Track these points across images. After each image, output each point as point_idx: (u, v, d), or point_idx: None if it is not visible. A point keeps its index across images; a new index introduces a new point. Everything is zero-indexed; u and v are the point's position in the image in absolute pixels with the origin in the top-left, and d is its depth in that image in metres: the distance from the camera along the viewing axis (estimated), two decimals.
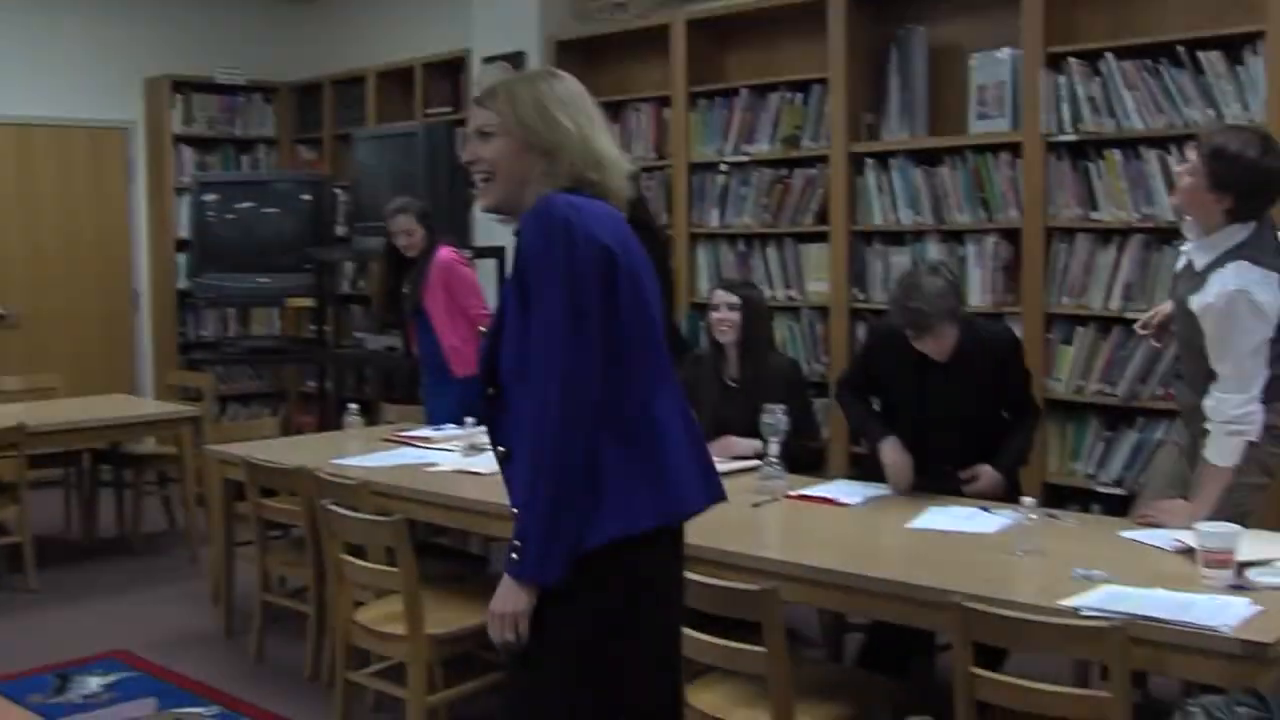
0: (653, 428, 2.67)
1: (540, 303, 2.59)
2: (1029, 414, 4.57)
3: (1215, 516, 3.55)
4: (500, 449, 2.76)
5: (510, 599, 2.61)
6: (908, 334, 4.26)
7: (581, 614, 2.63)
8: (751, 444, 4.71)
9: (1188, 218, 3.97)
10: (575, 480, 2.56)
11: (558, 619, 2.62)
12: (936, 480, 4.37)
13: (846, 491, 4.36)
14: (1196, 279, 3.81)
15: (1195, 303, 3.78)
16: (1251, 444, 3.77)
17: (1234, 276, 3.68)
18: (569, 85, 2.80)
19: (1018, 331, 5.12)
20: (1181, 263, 4.02)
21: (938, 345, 4.27)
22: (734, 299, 5.00)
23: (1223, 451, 3.76)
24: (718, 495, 2.83)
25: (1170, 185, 5.00)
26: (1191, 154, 3.81)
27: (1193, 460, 3.98)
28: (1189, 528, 3.48)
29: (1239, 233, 3.76)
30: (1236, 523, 3.48)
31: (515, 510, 2.66)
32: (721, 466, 4.61)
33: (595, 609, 2.64)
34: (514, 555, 2.59)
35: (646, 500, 2.66)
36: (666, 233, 5.93)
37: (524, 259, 2.64)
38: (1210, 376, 3.81)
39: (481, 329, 5.78)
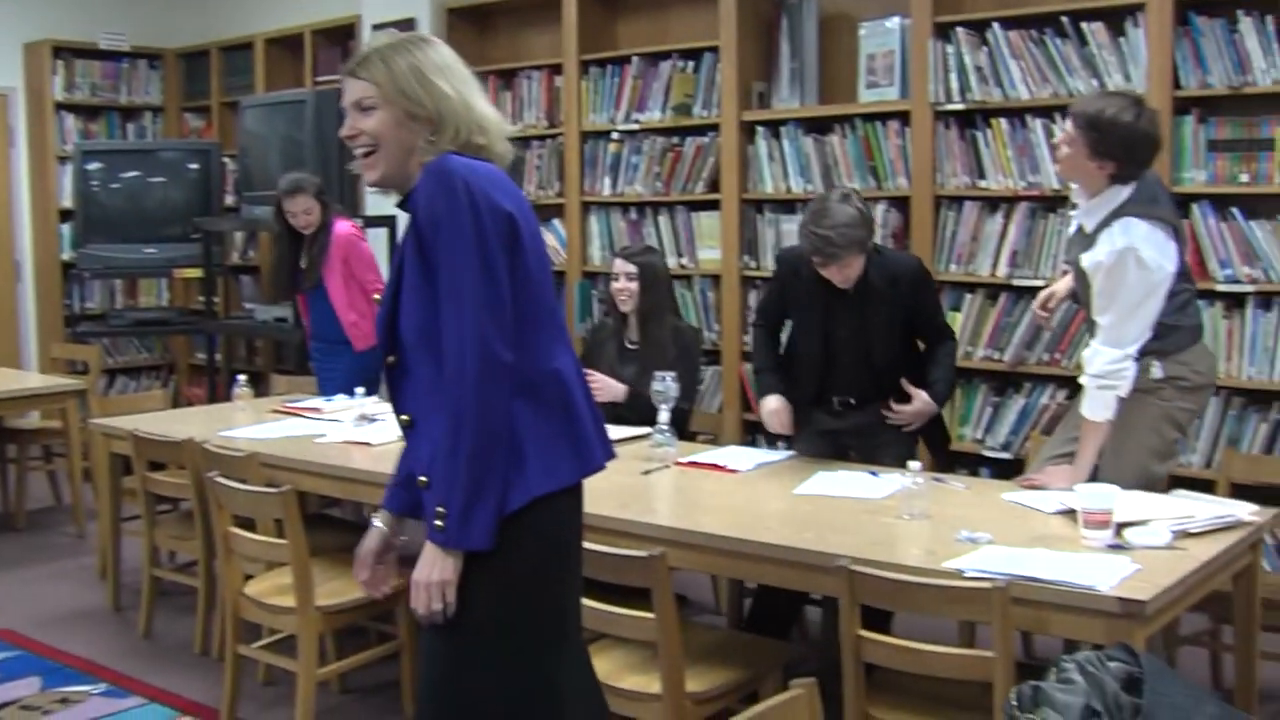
0: (561, 386, 2.68)
1: (449, 268, 2.56)
2: (947, 340, 4.54)
3: (1129, 484, 3.64)
4: (403, 416, 2.74)
5: (437, 567, 2.61)
6: (814, 261, 4.25)
7: (501, 575, 2.62)
8: (619, 386, 4.89)
9: (1074, 185, 4.04)
10: (497, 444, 2.54)
11: (479, 582, 2.61)
12: (840, 415, 4.44)
13: (736, 458, 4.39)
14: (1087, 241, 3.88)
15: (1086, 261, 3.85)
16: (1161, 401, 3.87)
17: (1121, 234, 3.75)
18: (442, 51, 2.75)
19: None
20: (1073, 228, 4.09)
21: (843, 274, 4.26)
22: (631, 268, 5.02)
23: (1094, 406, 3.84)
24: (611, 452, 2.84)
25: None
26: (1068, 124, 3.87)
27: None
28: (1071, 489, 3.57)
29: (1124, 191, 3.82)
30: (1154, 487, 3.58)
31: (423, 479, 2.64)
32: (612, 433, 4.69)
33: (517, 568, 2.63)
34: (438, 523, 2.57)
35: (565, 456, 2.68)
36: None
37: (427, 223, 2.60)
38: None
39: (376, 298, 5.73)
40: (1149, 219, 3.76)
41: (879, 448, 4.45)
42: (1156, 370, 3.89)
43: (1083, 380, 3.88)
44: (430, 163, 2.64)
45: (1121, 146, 3.76)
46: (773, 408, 4.48)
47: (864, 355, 4.42)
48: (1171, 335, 3.88)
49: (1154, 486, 3.81)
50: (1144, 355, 3.84)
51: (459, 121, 2.67)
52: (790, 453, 4.48)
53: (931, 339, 4.53)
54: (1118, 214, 3.78)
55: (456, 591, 2.62)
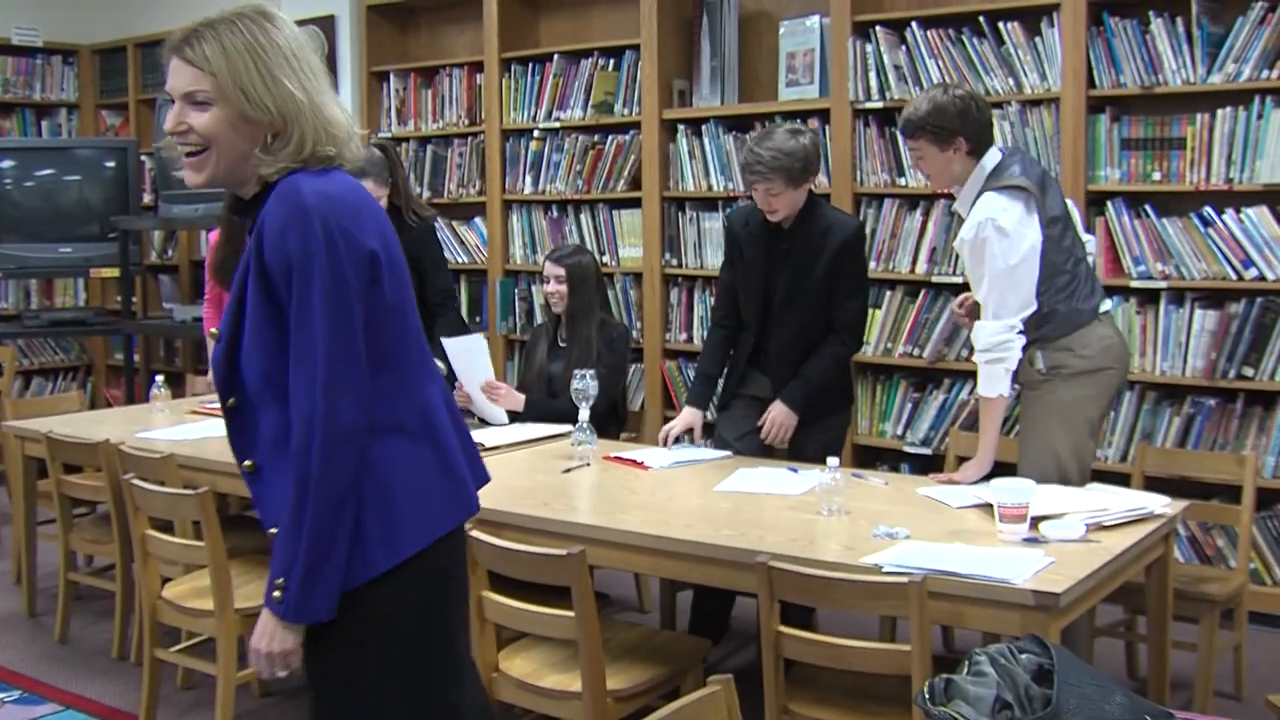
0: (428, 419, 2.45)
1: (300, 321, 2.28)
2: (844, 336, 4.48)
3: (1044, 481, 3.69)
4: (247, 463, 2.48)
5: (277, 638, 2.36)
6: (745, 180, 4.31)
7: (389, 621, 2.42)
8: (518, 396, 5.03)
9: (954, 190, 4.12)
10: (342, 513, 2.30)
11: (365, 630, 2.40)
12: (777, 381, 4.47)
13: (656, 456, 4.39)
14: (961, 224, 3.98)
15: (955, 242, 3.96)
16: (1050, 394, 3.92)
17: (980, 209, 3.85)
18: (286, 32, 2.38)
19: None
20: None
21: (769, 203, 4.29)
22: (560, 271, 5.04)
23: (986, 382, 3.90)
24: (484, 477, 2.64)
25: None
26: (908, 147, 4.03)
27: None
28: (981, 477, 3.71)
29: (989, 163, 3.94)
30: (1072, 482, 3.68)
31: (271, 531, 2.39)
32: (529, 433, 4.69)
33: (403, 615, 2.43)
34: (276, 594, 2.32)
35: (440, 497, 2.46)
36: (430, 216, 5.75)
37: (276, 263, 2.30)
38: None
39: (213, 332, 5.63)
40: (1002, 190, 3.86)
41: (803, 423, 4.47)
42: (1039, 362, 3.96)
43: (975, 358, 3.94)
44: (282, 187, 2.35)
45: (956, 119, 3.88)
46: (675, 421, 4.63)
47: (795, 306, 4.44)
48: (1050, 321, 3.92)
49: (1072, 481, 3.86)
50: (1029, 346, 3.90)
51: (305, 129, 2.35)
52: (717, 453, 4.47)
53: (837, 322, 4.47)
54: (981, 190, 3.91)
55: (346, 634, 2.39)
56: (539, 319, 6.41)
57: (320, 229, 2.27)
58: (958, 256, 5.36)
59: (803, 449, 4.41)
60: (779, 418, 4.40)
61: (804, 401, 4.41)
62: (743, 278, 4.54)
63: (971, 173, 3.97)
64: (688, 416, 4.60)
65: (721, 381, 4.71)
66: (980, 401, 3.98)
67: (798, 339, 4.46)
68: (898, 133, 4.09)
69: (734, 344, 4.67)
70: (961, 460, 4.19)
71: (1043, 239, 3.84)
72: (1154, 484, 4.22)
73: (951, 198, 5.37)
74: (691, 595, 4.56)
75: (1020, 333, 3.84)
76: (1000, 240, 3.79)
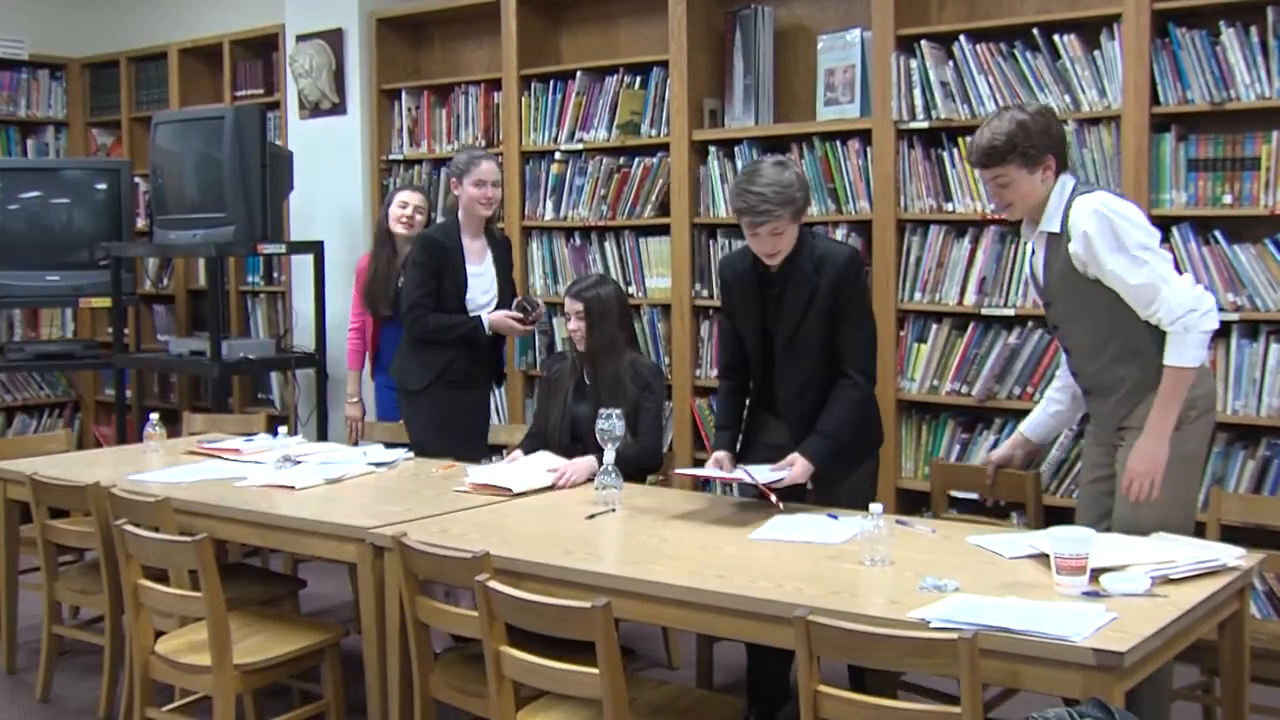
0: None
1: None
2: (855, 378, 4.43)
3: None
4: None
5: None
6: (744, 224, 4.29)
7: None
8: (585, 464, 4.81)
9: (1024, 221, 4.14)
10: None
11: None
12: (794, 428, 4.46)
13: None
14: (1061, 240, 3.94)
15: (1073, 248, 3.89)
16: (1173, 446, 3.88)
17: (1084, 205, 3.87)
18: None
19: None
20: (1032, 257, 4.17)
21: (774, 243, 4.29)
22: (579, 306, 5.04)
23: (1185, 350, 3.80)
24: None
25: None
26: (990, 174, 4.01)
27: (1106, 445, 4.13)
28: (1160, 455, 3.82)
29: (1067, 181, 3.99)
30: None
31: None
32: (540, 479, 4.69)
33: None
34: None
35: None
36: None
37: None
38: (1115, 326, 3.93)
39: None
40: (1093, 190, 3.95)
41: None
42: None
43: (1168, 333, 3.82)
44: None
45: (1043, 136, 3.93)
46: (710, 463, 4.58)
47: (799, 349, 4.44)
48: None
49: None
50: (1152, 388, 3.88)
51: None
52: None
53: (842, 361, 4.43)
54: (1072, 199, 3.93)
55: None
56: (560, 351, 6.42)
57: None
58: (1009, 287, 5.40)
59: (831, 500, 4.40)
60: (799, 474, 4.33)
61: (826, 459, 4.37)
62: (743, 325, 4.57)
63: (1054, 190, 3.99)
64: (721, 458, 4.56)
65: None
66: (1167, 372, 3.85)
67: (809, 382, 4.46)
68: (970, 163, 4.11)
69: (745, 392, 4.68)
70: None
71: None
72: (1227, 533, 4.19)
73: (1003, 223, 5.39)
74: (745, 656, 4.56)
75: (1116, 360, 3.88)
76: (1125, 220, 3.82)
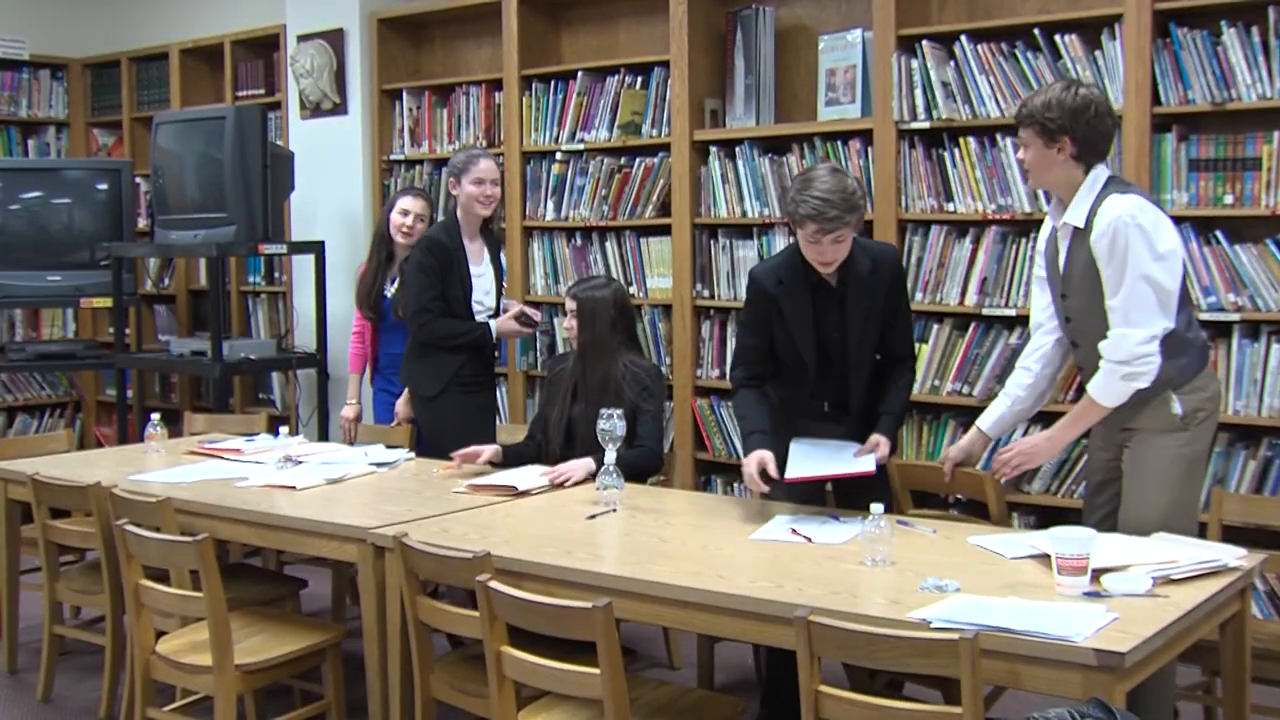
0: None
1: None
2: (908, 363, 4.56)
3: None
4: None
5: None
6: (805, 233, 4.18)
7: None
8: (581, 464, 4.81)
9: (1051, 198, 4.16)
10: None
11: None
12: (829, 420, 4.47)
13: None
14: (1085, 235, 3.94)
15: (1093, 239, 3.90)
16: (1182, 446, 3.94)
17: (1113, 207, 3.86)
18: None
19: None
20: (1049, 241, 4.20)
21: (835, 250, 4.22)
22: (573, 305, 5.06)
23: (1109, 391, 3.90)
24: None
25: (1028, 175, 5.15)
26: (1020, 135, 4.04)
27: (1113, 448, 4.15)
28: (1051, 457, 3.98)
29: (1100, 174, 3.97)
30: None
31: None
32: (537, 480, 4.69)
33: None
34: None
35: None
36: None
37: None
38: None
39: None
40: (1128, 191, 3.92)
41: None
42: (1177, 407, 3.95)
43: (1101, 364, 3.90)
44: None
45: (1068, 116, 3.92)
46: (751, 471, 4.26)
47: (849, 352, 4.42)
48: (1187, 354, 3.95)
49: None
50: (1160, 388, 3.91)
51: None
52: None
53: (895, 352, 4.52)
54: (1104, 194, 3.92)
55: None
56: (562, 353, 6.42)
57: None
58: (1010, 287, 5.40)
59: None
60: (886, 452, 4.34)
61: (894, 437, 4.48)
62: (786, 340, 4.46)
63: (1076, 182, 3.99)
64: (767, 458, 4.31)
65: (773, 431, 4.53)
66: (1086, 401, 3.98)
67: (872, 384, 4.48)
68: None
69: (767, 398, 4.58)
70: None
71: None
72: (1229, 533, 4.20)
73: (1004, 223, 5.39)
74: (757, 656, 4.56)
75: (1160, 354, 3.86)
76: (1142, 237, 3.81)
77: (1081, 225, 3.96)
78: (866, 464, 4.25)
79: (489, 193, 5.62)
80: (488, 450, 4.97)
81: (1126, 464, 4.05)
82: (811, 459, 4.25)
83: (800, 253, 4.32)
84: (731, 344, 6.25)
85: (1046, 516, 5.22)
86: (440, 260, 5.52)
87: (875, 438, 4.33)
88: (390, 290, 6.10)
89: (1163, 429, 3.96)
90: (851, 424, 4.49)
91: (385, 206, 6.33)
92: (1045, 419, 4.79)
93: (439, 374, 5.47)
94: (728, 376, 4.97)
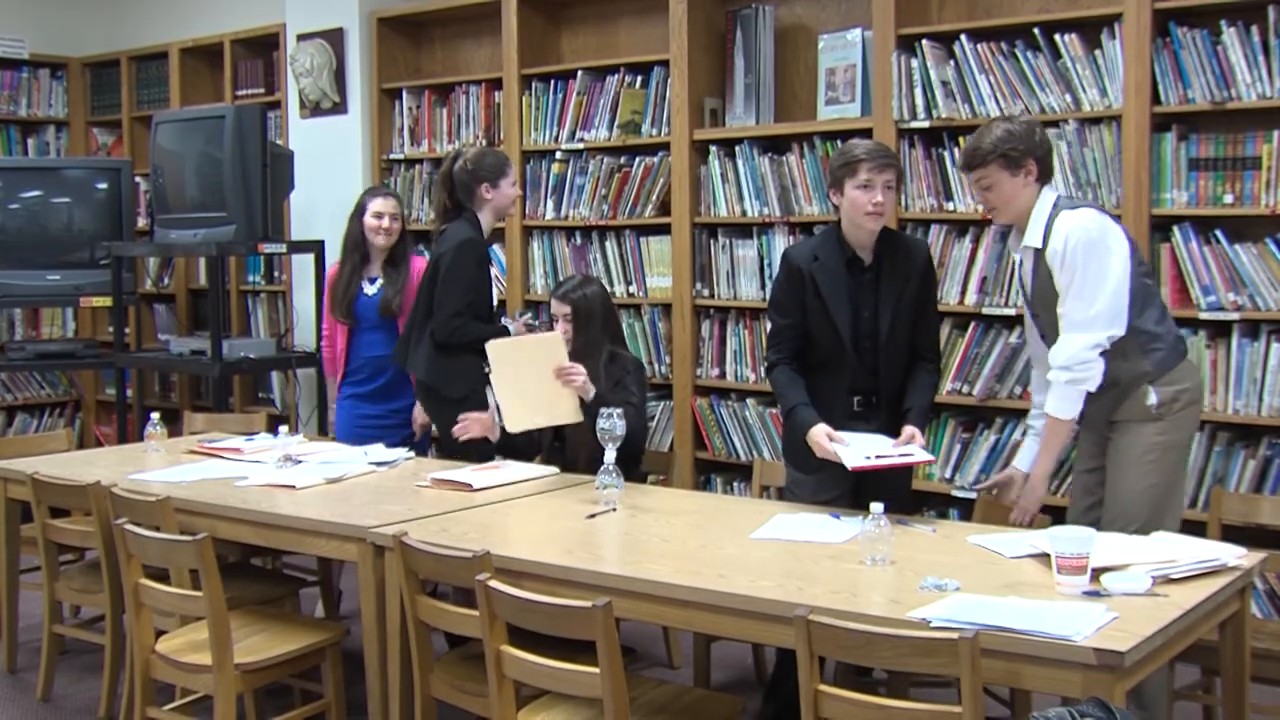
0: None
1: None
2: (934, 363, 4.54)
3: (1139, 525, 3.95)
4: None
5: None
6: (863, 174, 4.24)
7: None
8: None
9: (1012, 228, 4.30)
10: None
11: None
12: (860, 418, 4.44)
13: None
14: (1043, 255, 4.08)
15: (1049, 256, 4.05)
16: (1159, 435, 4.08)
17: (1066, 221, 4.03)
18: None
19: None
20: (1020, 267, 4.33)
21: (888, 197, 4.28)
22: (566, 309, 5.05)
23: (1060, 402, 4.06)
24: None
25: None
26: (975, 179, 4.18)
27: (1098, 434, 4.28)
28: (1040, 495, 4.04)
29: (1049, 196, 4.13)
30: (1166, 528, 3.86)
31: None
32: (517, 474, 4.70)
33: None
34: None
35: None
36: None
37: None
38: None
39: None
40: (1086, 206, 4.12)
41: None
42: (1153, 397, 4.08)
43: (1050, 376, 4.08)
44: None
45: (1025, 140, 4.09)
46: (819, 439, 4.27)
47: (881, 333, 4.41)
48: (1160, 349, 4.09)
49: (1152, 527, 3.93)
50: (1138, 382, 4.07)
51: None
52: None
53: (923, 347, 4.51)
54: (1054, 215, 4.07)
55: None
56: None
57: None
58: (1009, 286, 5.40)
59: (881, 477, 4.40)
60: (922, 444, 4.34)
61: (924, 431, 4.47)
62: (821, 318, 4.43)
63: (1037, 202, 4.12)
64: (824, 429, 4.31)
65: (793, 435, 4.50)
66: (1049, 422, 4.13)
67: (902, 374, 4.48)
68: (958, 168, 4.12)
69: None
70: None
71: (1131, 260, 4.03)
72: (1228, 533, 4.21)
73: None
74: (757, 655, 4.54)
75: (1103, 354, 3.99)
76: (1092, 248, 3.97)
77: (1040, 245, 4.09)
78: (925, 454, 4.30)
79: (518, 194, 5.71)
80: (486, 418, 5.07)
81: (1109, 455, 4.21)
82: (864, 450, 4.23)
83: (835, 233, 4.42)
84: (731, 343, 6.26)
85: (971, 510, 5.23)
86: (485, 267, 5.49)
87: (909, 429, 4.30)
88: (369, 290, 6.07)
89: (1140, 419, 4.12)
90: (880, 422, 4.45)
91: (354, 210, 6.21)
92: None
93: (468, 376, 5.40)
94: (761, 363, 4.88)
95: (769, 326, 4.61)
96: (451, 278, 5.35)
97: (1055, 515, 4.35)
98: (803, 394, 4.44)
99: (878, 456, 4.21)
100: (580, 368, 4.83)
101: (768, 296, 4.93)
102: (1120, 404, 4.14)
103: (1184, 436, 4.21)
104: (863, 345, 4.43)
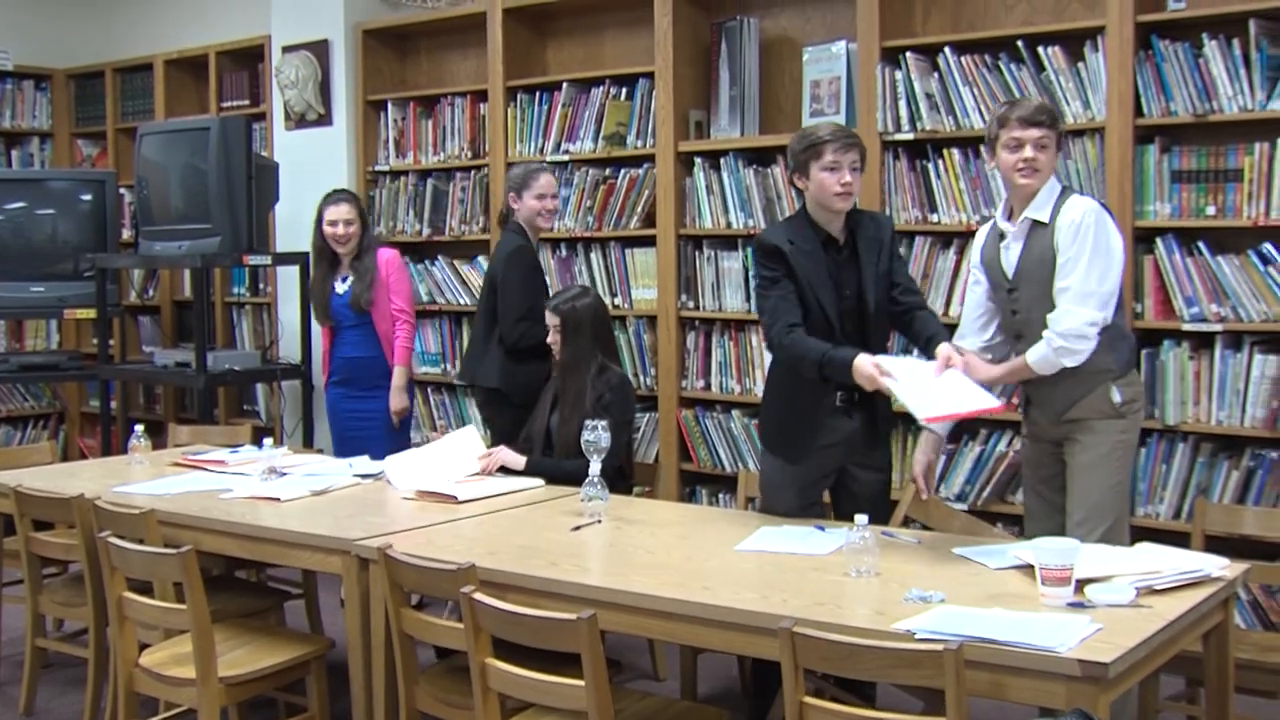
0: None
1: None
2: (922, 301, 4.53)
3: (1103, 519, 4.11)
4: None
5: None
6: (828, 156, 4.23)
7: None
8: (517, 457, 5.04)
9: (1005, 201, 4.38)
10: None
11: None
12: (844, 414, 4.40)
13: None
14: (1046, 229, 4.17)
15: (1060, 228, 4.12)
16: (1121, 434, 4.20)
17: (1081, 202, 4.16)
18: None
19: None
20: (986, 244, 4.43)
21: (855, 178, 4.30)
22: (555, 320, 5.07)
23: (1045, 363, 4.14)
24: None
25: None
26: (1035, 133, 4.16)
27: (1048, 443, 4.35)
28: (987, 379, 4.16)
29: (1056, 184, 4.25)
30: (1120, 524, 4.04)
31: None
32: (500, 486, 4.70)
33: None
34: None
35: None
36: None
37: None
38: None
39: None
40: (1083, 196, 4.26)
41: (867, 458, 4.49)
42: (1116, 395, 4.19)
43: (1045, 334, 4.12)
44: None
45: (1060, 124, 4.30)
46: (868, 370, 4.06)
47: (868, 313, 4.36)
48: (1123, 348, 4.23)
49: (1121, 523, 4.11)
50: (1101, 378, 4.17)
51: None
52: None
53: (908, 296, 4.46)
54: (1064, 196, 4.20)
55: None
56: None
57: None
58: None
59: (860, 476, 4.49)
60: (960, 361, 4.13)
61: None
62: (820, 293, 4.34)
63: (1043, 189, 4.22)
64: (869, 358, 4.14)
65: (780, 428, 4.53)
66: (1019, 363, 4.23)
67: (886, 347, 4.48)
68: (1021, 122, 4.05)
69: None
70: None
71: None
72: (1212, 543, 4.22)
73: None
74: (742, 667, 4.55)
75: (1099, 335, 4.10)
76: (1104, 228, 4.11)
77: (1045, 220, 4.17)
78: (992, 400, 4.06)
79: (550, 206, 5.82)
80: (504, 454, 5.10)
81: (1072, 455, 4.25)
82: (926, 395, 3.98)
83: (804, 217, 4.40)
84: (717, 355, 6.26)
85: (1017, 521, 5.23)
86: (536, 269, 5.75)
87: (944, 349, 4.12)
88: (341, 288, 6.29)
89: (1105, 414, 4.20)
90: (862, 416, 4.42)
91: (316, 218, 6.38)
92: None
93: (532, 380, 5.44)
94: (765, 342, 4.70)
95: (765, 308, 4.41)
96: (509, 287, 5.63)
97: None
98: (827, 344, 4.24)
99: (949, 403, 4.02)
100: (496, 458, 5.05)
101: (753, 294, 4.91)
102: (1083, 399, 4.20)
103: (1136, 439, 4.37)
104: (848, 326, 4.38)
